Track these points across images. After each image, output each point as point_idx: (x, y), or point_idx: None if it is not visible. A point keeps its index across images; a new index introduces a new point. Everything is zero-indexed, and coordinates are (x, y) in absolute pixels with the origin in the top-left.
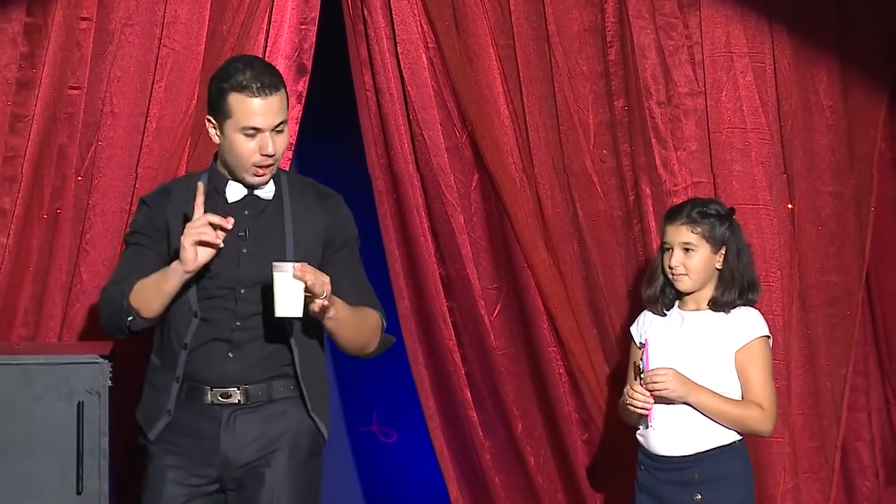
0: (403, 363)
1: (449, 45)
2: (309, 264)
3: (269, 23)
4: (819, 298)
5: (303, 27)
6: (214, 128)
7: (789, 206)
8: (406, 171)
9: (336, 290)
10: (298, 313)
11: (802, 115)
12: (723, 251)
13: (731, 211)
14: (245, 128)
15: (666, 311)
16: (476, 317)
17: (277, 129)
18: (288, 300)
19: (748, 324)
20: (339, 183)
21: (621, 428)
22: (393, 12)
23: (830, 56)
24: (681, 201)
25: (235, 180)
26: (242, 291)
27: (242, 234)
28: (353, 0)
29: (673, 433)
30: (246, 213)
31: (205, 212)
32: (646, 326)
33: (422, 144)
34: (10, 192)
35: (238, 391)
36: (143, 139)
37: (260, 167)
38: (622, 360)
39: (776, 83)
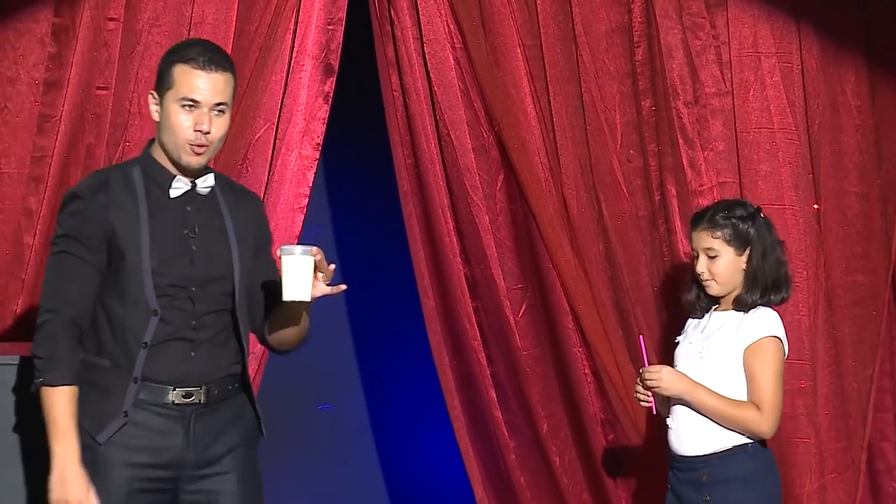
0: (428, 363)
1: (476, 45)
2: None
3: (296, 23)
4: (845, 299)
5: (330, 27)
6: (156, 103)
7: (815, 206)
8: (432, 171)
9: (269, 287)
10: (307, 297)
11: (830, 115)
12: (748, 251)
13: (758, 210)
14: (184, 98)
15: (704, 315)
16: (501, 317)
17: (218, 108)
18: (298, 284)
19: (758, 323)
20: (365, 183)
21: (646, 428)
22: (420, 13)
23: (858, 56)
24: (706, 201)
25: (180, 171)
26: (194, 289)
27: (188, 230)
28: (380, 1)
29: (687, 433)
30: (188, 208)
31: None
32: (686, 332)
33: (448, 145)
34: (36, 192)
35: (200, 391)
36: None
37: (195, 145)
38: (649, 360)
39: (803, 83)
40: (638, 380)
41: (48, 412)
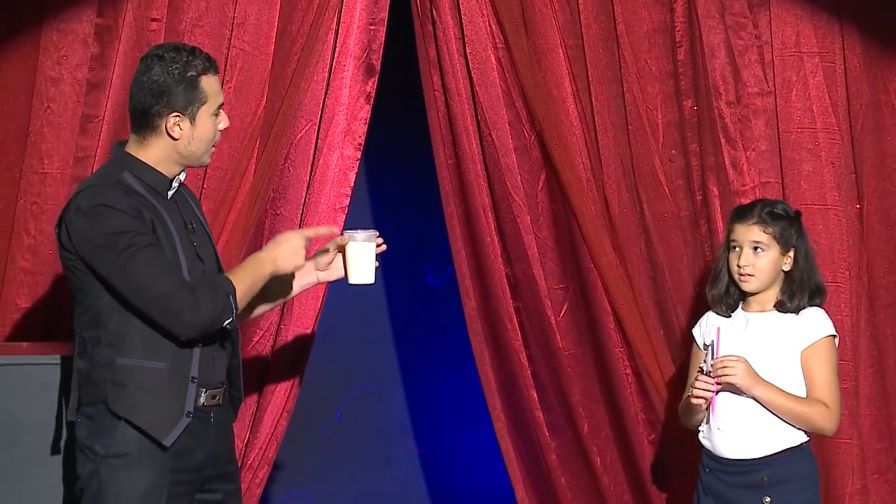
0: (470, 363)
1: (517, 45)
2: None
3: (338, 23)
4: (887, 299)
5: (372, 28)
6: (179, 122)
7: (857, 206)
8: (473, 172)
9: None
10: (372, 279)
11: (873, 115)
12: (791, 254)
13: (798, 214)
14: (219, 107)
15: (731, 313)
16: (542, 317)
17: None
18: (363, 268)
19: (814, 323)
20: (407, 183)
21: (688, 429)
22: (461, 13)
23: None
24: (748, 201)
25: (176, 172)
26: None
27: (189, 226)
28: (422, 1)
29: (740, 436)
30: (178, 205)
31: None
32: (709, 328)
33: (490, 145)
34: None
35: (220, 391)
36: None
37: (214, 143)
38: (689, 361)
39: (846, 83)
40: (695, 377)
41: (255, 282)
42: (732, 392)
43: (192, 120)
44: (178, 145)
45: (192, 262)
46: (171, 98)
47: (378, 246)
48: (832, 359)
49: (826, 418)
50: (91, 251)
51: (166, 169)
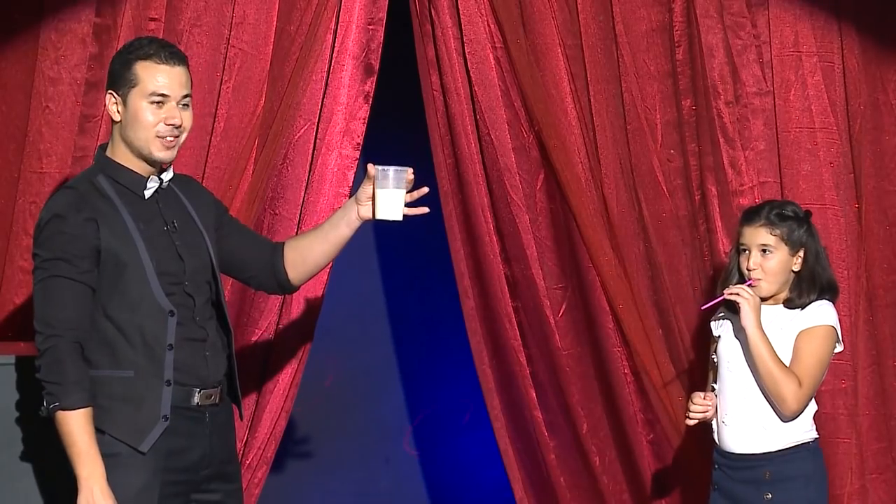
0: (468, 363)
1: (516, 45)
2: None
3: (336, 23)
4: (886, 299)
5: (370, 27)
6: (116, 103)
7: (856, 205)
8: (472, 171)
9: (245, 244)
10: (400, 216)
11: (871, 115)
12: (801, 254)
13: (808, 214)
14: (153, 94)
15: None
16: (541, 317)
17: (184, 101)
18: (391, 205)
19: (818, 312)
20: None
21: (687, 429)
22: (460, 12)
23: None
24: (746, 201)
25: (149, 166)
26: (187, 283)
27: (168, 226)
28: (421, 0)
29: (746, 430)
30: (160, 205)
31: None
32: (723, 326)
33: (489, 144)
34: None
35: (217, 390)
36: (210, 139)
37: (166, 138)
38: (688, 360)
39: (845, 82)
40: (689, 402)
41: (68, 436)
42: (739, 386)
43: (125, 102)
44: (121, 130)
45: (168, 262)
46: (111, 78)
47: (414, 191)
48: (824, 347)
49: (793, 394)
50: (32, 255)
51: (137, 166)
